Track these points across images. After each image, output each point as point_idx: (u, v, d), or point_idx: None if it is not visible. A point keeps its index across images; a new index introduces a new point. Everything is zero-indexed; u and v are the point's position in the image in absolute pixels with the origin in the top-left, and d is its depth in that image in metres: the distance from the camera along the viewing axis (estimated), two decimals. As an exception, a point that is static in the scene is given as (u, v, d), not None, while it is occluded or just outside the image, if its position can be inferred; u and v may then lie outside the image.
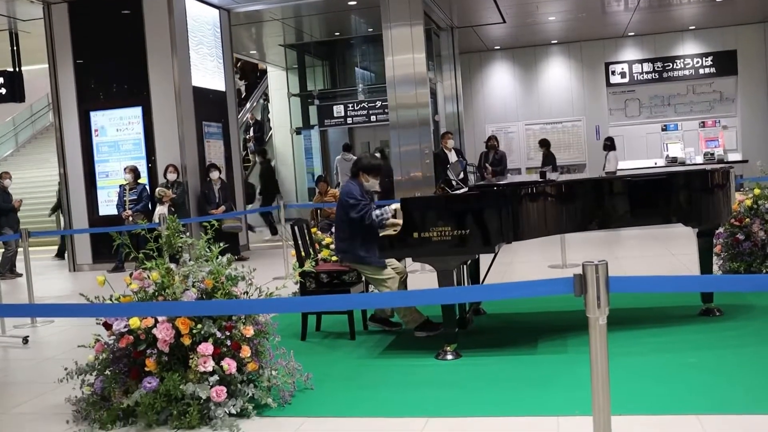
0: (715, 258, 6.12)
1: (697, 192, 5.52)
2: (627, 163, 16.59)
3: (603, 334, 2.69)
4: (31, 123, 22.47)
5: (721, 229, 6.30)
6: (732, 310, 5.60)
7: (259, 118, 19.53)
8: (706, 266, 5.66)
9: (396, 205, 5.38)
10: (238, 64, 18.85)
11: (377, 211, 5.36)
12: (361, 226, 5.37)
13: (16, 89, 13.01)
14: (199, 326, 3.88)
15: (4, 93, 13.00)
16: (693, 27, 17.22)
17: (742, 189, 6.76)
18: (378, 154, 15.08)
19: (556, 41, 17.91)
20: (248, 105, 19.81)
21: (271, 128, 19.09)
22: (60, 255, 13.07)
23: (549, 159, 14.38)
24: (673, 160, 16.74)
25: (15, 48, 12.96)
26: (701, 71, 17.55)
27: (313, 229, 6.50)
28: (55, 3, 11.44)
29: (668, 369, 4.36)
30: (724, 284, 3.92)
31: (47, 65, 11.71)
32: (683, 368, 4.36)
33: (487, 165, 12.43)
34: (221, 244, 4.37)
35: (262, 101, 20.06)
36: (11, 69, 12.99)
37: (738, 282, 3.77)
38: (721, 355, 4.63)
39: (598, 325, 2.69)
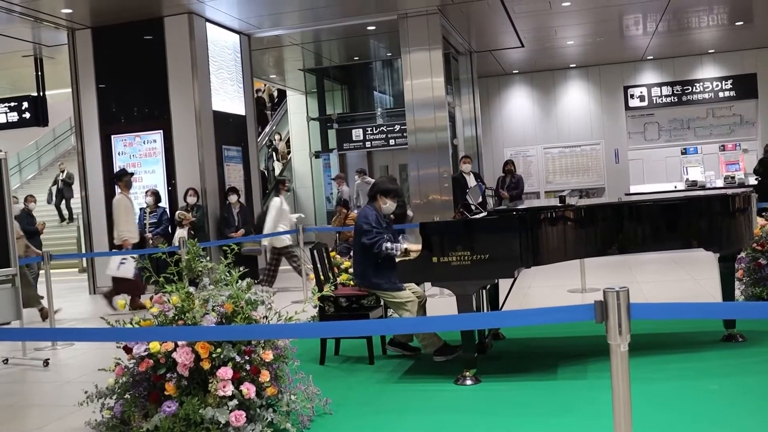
0: (737, 283, 6.05)
1: (718, 216, 5.47)
2: (646, 187, 16.50)
3: (624, 360, 2.67)
4: (53, 146, 22.79)
5: (743, 254, 6.24)
6: (755, 336, 5.52)
7: (262, 167, 19.34)
8: (728, 291, 5.61)
9: (408, 246, 5.38)
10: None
11: (388, 244, 5.36)
12: (374, 253, 5.40)
13: (39, 113, 13.22)
14: (219, 350, 3.89)
15: (28, 117, 13.22)
16: (712, 50, 17.17)
17: (764, 213, 6.68)
18: (364, 175, 15.15)
19: (574, 65, 17.93)
20: (268, 128, 19.89)
21: (276, 177, 19.13)
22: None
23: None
24: (693, 184, 16.61)
25: (39, 73, 13.19)
26: (721, 95, 17.48)
27: (332, 253, 6.51)
28: (79, 29, 11.64)
29: (690, 396, 4.30)
30: (748, 311, 3.87)
31: (70, 90, 11.90)
32: (705, 395, 4.30)
33: (501, 190, 12.40)
34: (241, 269, 4.39)
35: (267, 149, 19.88)
36: (35, 94, 13.21)
37: (762, 308, 3.72)
38: (744, 382, 4.56)
39: (620, 351, 2.66)
